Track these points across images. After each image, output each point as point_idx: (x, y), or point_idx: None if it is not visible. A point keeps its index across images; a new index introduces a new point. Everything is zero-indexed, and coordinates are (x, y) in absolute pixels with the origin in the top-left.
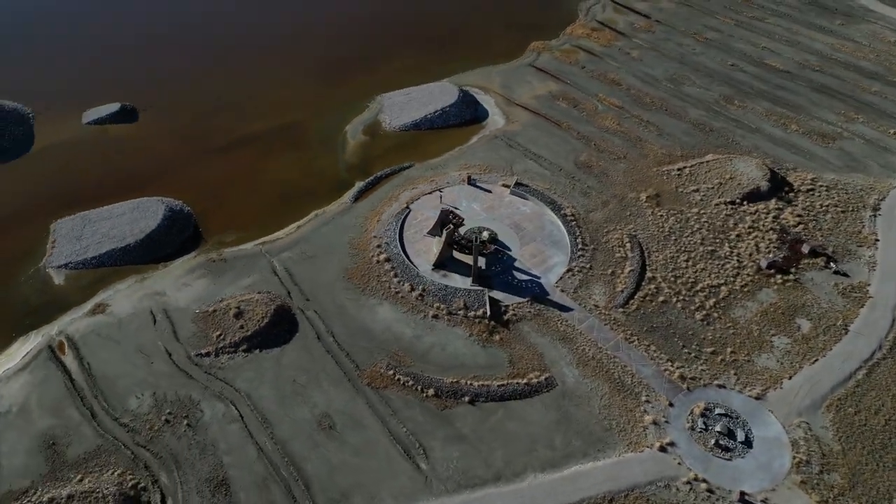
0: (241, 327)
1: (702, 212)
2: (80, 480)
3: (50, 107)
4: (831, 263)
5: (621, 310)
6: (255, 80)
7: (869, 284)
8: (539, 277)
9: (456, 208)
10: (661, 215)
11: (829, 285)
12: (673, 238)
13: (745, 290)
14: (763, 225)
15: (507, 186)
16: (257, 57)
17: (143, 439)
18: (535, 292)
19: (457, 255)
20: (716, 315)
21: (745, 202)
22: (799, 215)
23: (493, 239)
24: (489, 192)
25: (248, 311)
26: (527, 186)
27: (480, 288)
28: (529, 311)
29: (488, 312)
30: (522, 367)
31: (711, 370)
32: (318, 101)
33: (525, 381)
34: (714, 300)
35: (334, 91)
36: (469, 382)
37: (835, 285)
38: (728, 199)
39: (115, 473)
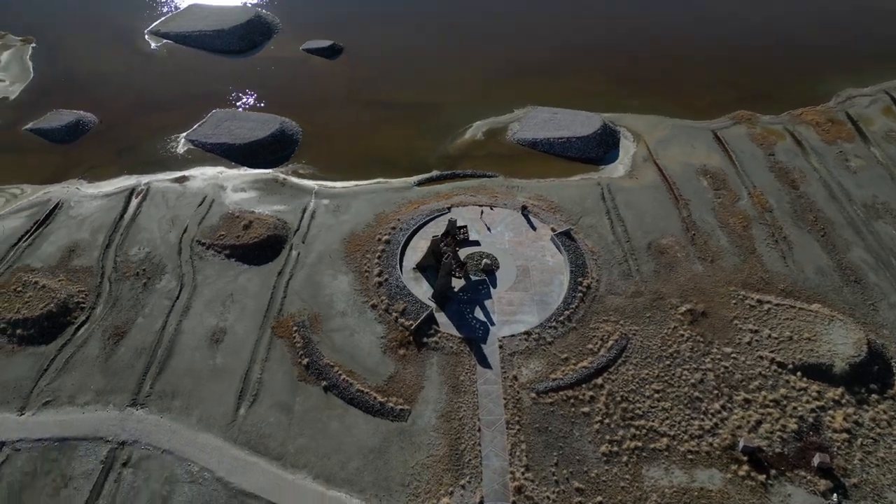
0: (238, 237)
1: (733, 355)
2: (59, 280)
3: (293, 29)
4: (835, 495)
5: (534, 395)
6: (447, 59)
7: None
8: (492, 325)
9: (488, 229)
10: (682, 335)
11: None
12: (667, 362)
13: (689, 457)
14: (794, 408)
15: (553, 230)
16: (467, 39)
17: (114, 277)
18: (474, 334)
19: None
20: (625, 460)
21: (798, 372)
22: (857, 422)
23: (489, 270)
24: (533, 229)
25: (254, 227)
26: (572, 241)
27: (431, 304)
28: (451, 347)
29: (414, 327)
30: (395, 388)
31: (558, 502)
32: (478, 92)
33: (384, 400)
34: (639, 444)
35: (501, 88)
36: (339, 372)
37: None
38: (780, 360)
39: (77, 289)
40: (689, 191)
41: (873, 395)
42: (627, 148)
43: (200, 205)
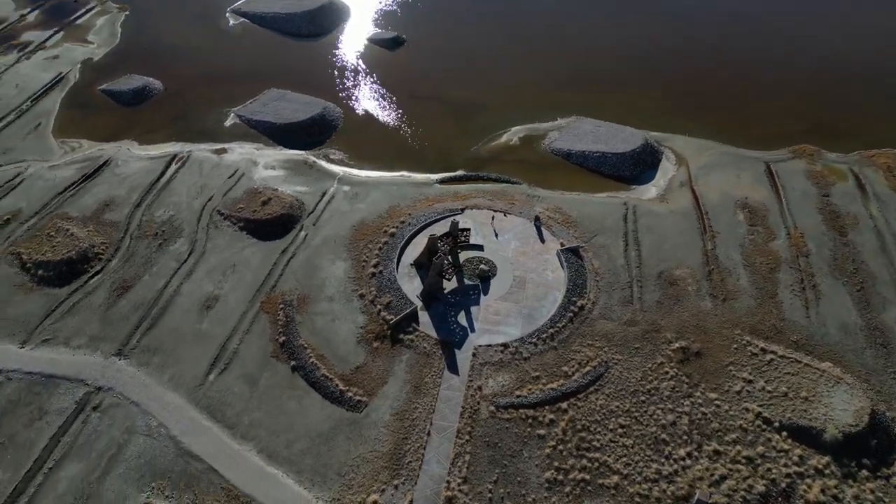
0: (254, 212)
1: (717, 402)
2: (87, 230)
3: (363, 18)
4: None
5: (493, 408)
6: (506, 62)
7: None
8: (472, 332)
9: (496, 235)
10: (666, 372)
11: None
12: (642, 397)
13: (636, 500)
14: (768, 469)
15: (562, 245)
16: (531, 44)
17: (135, 234)
18: (451, 338)
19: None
20: (567, 490)
21: (784, 432)
22: (835, 497)
23: (485, 277)
24: (542, 241)
25: (272, 204)
26: (578, 259)
27: (417, 302)
28: (425, 347)
29: (392, 320)
30: (359, 379)
31: None
32: (528, 97)
33: (344, 388)
34: (587, 477)
35: (552, 96)
36: (310, 355)
37: None
38: (767, 415)
39: (100, 240)
40: (721, 223)
41: (863, 472)
42: (666, 170)
43: (230, 177)
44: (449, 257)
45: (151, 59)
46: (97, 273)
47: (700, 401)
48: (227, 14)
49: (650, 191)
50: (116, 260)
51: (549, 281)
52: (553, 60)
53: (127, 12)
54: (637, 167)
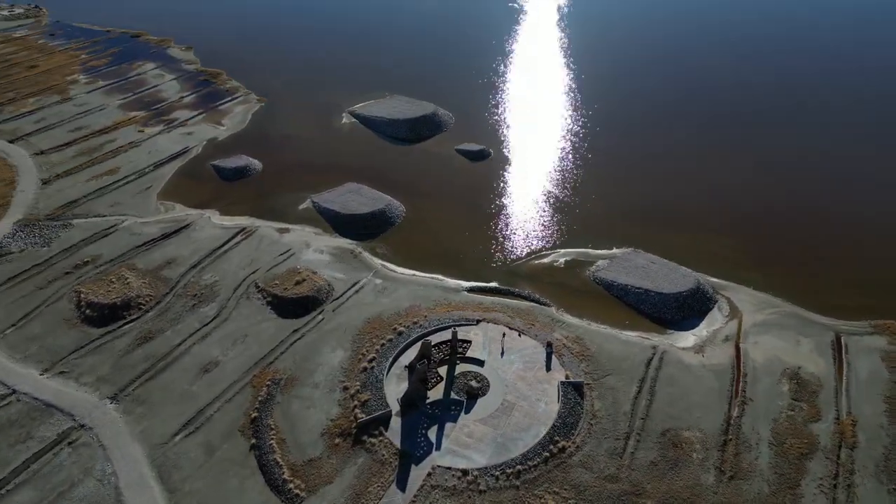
0: (285, 289)
1: None
2: (142, 282)
3: (460, 129)
4: None
5: None
6: (580, 186)
7: None
8: (437, 450)
9: (502, 353)
10: None
11: None
12: None
13: None
14: None
15: (567, 377)
16: (617, 172)
17: (179, 292)
18: (413, 452)
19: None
20: None
21: None
22: None
23: (473, 394)
24: (547, 369)
25: (304, 285)
26: (579, 396)
27: (393, 407)
28: (384, 455)
29: (361, 420)
30: (307, 472)
31: None
32: (597, 221)
33: (289, 478)
34: None
35: (619, 225)
36: (272, 436)
37: None
38: None
39: (148, 293)
40: (759, 390)
41: None
42: (714, 320)
43: (281, 254)
44: (434, 368)
45: (264, 144)
46: (132, 321)
47: None
48: (344, 114)
49: (688, 339)
50: (153, 312)
51: (538, 412)
52: (629, 189)
53: (263, 104)
54: (680, 311)
